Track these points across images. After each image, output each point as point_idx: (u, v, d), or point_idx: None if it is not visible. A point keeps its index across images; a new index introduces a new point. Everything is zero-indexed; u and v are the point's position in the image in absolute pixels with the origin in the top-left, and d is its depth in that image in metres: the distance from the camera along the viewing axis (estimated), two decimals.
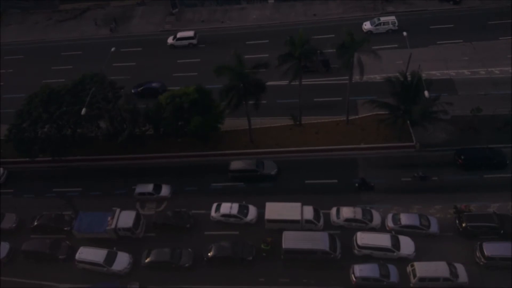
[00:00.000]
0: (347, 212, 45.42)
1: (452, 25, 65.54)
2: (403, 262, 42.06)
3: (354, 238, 43.49)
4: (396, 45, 60.80)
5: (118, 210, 47.41)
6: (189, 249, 44.98)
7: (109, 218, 46.85)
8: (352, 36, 47.88)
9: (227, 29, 72.53)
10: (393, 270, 41.16)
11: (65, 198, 49.65)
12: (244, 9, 76.61)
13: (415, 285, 40.50)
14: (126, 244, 46.20)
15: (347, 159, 51.82)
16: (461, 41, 62.92)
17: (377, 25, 65.93)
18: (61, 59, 70.51)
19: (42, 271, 45.65)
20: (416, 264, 40.98)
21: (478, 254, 41.54)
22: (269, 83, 50.97)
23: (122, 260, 44.55)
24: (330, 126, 54.97)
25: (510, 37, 61.12)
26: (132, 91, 60.48)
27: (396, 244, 42.51)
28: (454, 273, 40.05)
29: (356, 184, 48.66)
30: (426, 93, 45.66)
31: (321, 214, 46.00)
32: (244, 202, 47.77)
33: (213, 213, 47.39)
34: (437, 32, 64.73)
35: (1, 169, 55.07)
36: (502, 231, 42.68)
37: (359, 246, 42.84)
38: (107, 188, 52.46)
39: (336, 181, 49.78)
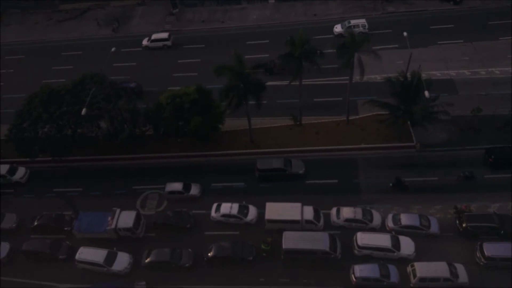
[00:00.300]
0: (347, 212, 45.41)
1: (452, 25, 65.54)
2: (403, 262, 42.03)
3: (354, 238, 43.46)
4: (396, 45, 60.80)
5: (118, 210, 47.40)
6: (189, 249, 44.97)
7: (109, 218, 46.84)
8: (353, 36, 47.86)
9: (227, 29, 72.54)
10: (393, 270, 41.15)
11: (65, 198, 49.65)
12: (244, 9, 76.64)
13: (415, 285, 40.47)
14: (126, 244, 46.20)
15: (347, 159, 51.81)
16: (462, 41, 62.93)
17: (347, 28, 65.93)
18: (61, 59, 70.55)
19: (42, 271, 45.63)
20: (416, 264, 40.96)
21: (478, 254, 41.52)
22: (269, 83, 50.98)
23: (122, 260, 44.54)
24: (330, 126, 54.97)
25: (510, 37, 61.12)
26: None
27: (396, 244, 42.50)
28: (454, 273, 40.04)
29: (391, 184, 47.97)
30: (426, 93, 45.68)
31: (321, 214, 45.98)
32: (244, 202, 47.76)
33: (213, 213, 47.39)
34: (437, 32, 64.73)
35: (24, 169, 54.70)
36: (502, 232, 42.66)
37: (359, 246, 42.82)
38: (107, 188, 52.45)
39: (336, 181, 49.77)
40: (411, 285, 40.65)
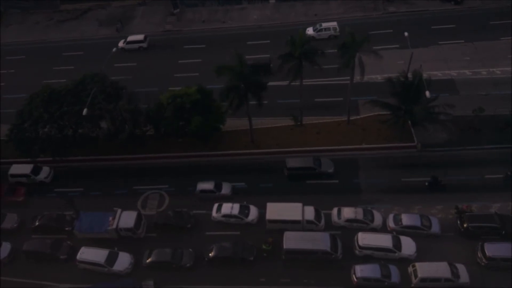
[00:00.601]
0: (348, 212, 45.39)
1: (453, 25, 65.52)
2: (404, 262, 42.01)
3: (355, 238, 43.44)
4: (397, 45, 60.75)
5: (119, 210, 47.41)
6: (190, 249, 44.95)
7: (110, 218, 46.85)
8: (353, 36, 47.84)
9: (228, 29, 72.51)
10: (394, 270, 41.13)
11: (66, 198, 49.68)
12: (244, 9, 76.63)
13: (416, 286, 40.44)
14: (127, 244, 46.19)
15: (348, 159, 51.79)
16: (462, 41, 62.92)
17: (319, 30, 66.38)
18: (62, 59, 70.53)
19: (43, 271, 45.61)
20: (417, 264, 40.94)
21: (479, 254, 41.49)
22: (269, 83, 50.95)
23: (123, 260, 44.53)
24: (331, 126, 54.96)
25: (510, 37, 61.08)
26: None
27: (397, 245, 42.48)
28: (455, 273, 40.00)
29: (426, 183, 47.58)
30: (427, 93, 45.65)
31: (322, 215, 45.97)
32: (245, 202, 47.74)
33: (214, 214, 47.37)
34: (438, 32, 64.72)
35: (48, 168, 54.52)
36: (503, 232, 42.63)
37: (360, 247, 42.80)
38: (108, 188, 52.45)
39: (337, 181, 49.74)
40: (412, 285, 40.61)
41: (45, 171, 53.96)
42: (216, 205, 47.68)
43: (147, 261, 44.49)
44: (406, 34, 51.69)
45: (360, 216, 44.95)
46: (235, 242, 44.34)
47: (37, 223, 48.56)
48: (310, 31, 67.24)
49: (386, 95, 50.62)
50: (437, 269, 40.19)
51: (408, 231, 43.73)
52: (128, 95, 53.00)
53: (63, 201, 48.99)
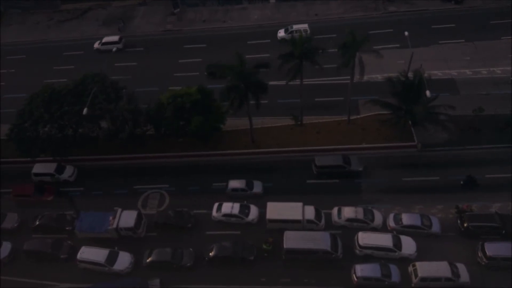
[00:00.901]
0: (348, 212, 45.39)
1: (453, 25, 65.49)
2: (404, 262, 42.02)
3: (356, 238, 43.45)
4: (397, 45, 60.72)
5: (119, 209, 47.41)
6: (191, 249, 44.96)
7: (110, 218, 46.86)
8: (354, 36, 47.84)
9: (228, 29, 72.48)
10: (394, 270, 41.13)
11: (66, 197, 49.71)
12: (245, 9, 76.61)
13: (417, 285, 40.46)
14: (128, 244, 46.19)
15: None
16: (463, 40, 62.90)
17: (290, 32, 66.39)
18: (62, 59, 70.52)
19: (44, 271, 45.62)
20: (417, 264, 40.94)
21: (480, 254, 41.49)
22: (270, 83, 50.93)
23: (124, 260, 44.54)
24: (332, 126, 54.96)
25: (511, 37, 61.06)
26: None
27: (397, 244, 42.48)
28: (455, 273, 40.00)
29: (461, 182, 47.21)
30: (427, 92, 45.64)
31: (323, 214, 45.97)
32: (245, 202, 47.75)
33: (214, 213, 47.38)
34: (438, 31, 64.67)
35: (72, 167, 54.37)
36: (504, 231, 42.63)
37: (360, 246, 42.81)
38: (108, 188, 52.44)
39: (337, 181, 49.73)
40: (413, 285, 40.62)
41: (69, 170, 53.79)
42: (216, 205, 47.68)
43: (147, 260, 44.50)
44: (406, 33, 51.77)
45: (360, 215, 44.95)
46: (235, 242, 44.35)
47: (37, 223, 48.57)
48: (281, 33, 67.65)
49: (386, 95, 50.64)
50: (437, 268, 40.19)
51: (409, 230, 43.73)
52: (128, 95, 53.03)
53: (64, 200, 49.08)
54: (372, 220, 45.00)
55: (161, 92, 53.83)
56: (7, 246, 47.26)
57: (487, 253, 40.88)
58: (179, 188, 51.35)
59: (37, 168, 53.62)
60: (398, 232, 43.84)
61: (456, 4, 69.49)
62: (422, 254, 42.13)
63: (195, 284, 43.20)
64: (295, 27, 66.84)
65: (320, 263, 42.71)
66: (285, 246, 42.79)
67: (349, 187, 49.01)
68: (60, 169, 53.51)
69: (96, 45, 70.88)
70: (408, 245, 42.58)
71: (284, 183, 50.21)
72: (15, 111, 53.66)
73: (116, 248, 45.46)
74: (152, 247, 45.42)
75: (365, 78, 50.28)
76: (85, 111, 47.47)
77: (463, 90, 56.42)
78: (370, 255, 42.64)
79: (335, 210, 46.19)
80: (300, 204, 45.67)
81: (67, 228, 48.07)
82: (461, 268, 40.47)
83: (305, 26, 66.78)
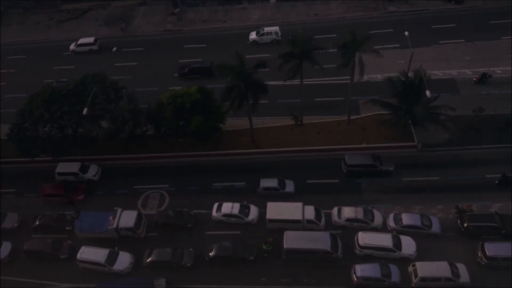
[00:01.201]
0: (348, 212, 45.39)
1: (453, 25, 65.48)
2: (404, 262, 42.02)
3: (356, 238, 43.45)
4: (397, 45, 60.74)
5: (119, 209, 47.42)
6: (191, 249, 44.98)
7: (110, 218, 46.86)
8: (354, 36, 47.84)
9: (228, 29, 72.49)
10: (394, 270, 41.13)
11: (66, 197, 49.73)
12: (245, 9, 76.61)
13: (417, 285, 40.47)
14: (128, 244, 46.19)
15: None
16: (463, 40, 62.88)
17: (261, 35, 66.83)
18: (63, 59, 70.52)
19: (44, 271, 45.61)
20: (417, 264, 40.95)
21: (480, 254, 41.49)
22: (270, 83, 50.97)
23: (124, 260, 44.54)
24: (332, 126, 54.95)
25: (511, 37, 61.04)
26: None
27: (397, 244, 42.48)
28: (455, 273, 40.00)
29: (496, 181, 46.89)
30: (427, 92, 45.64)
31: (323, 214, 45.98)
32: (245, 202, 47.75)
33: (214, 213, 47.38)
34: (438, 31, 64.65)
35: (96, 166, 54.25)
36: (504, 231, 42.63)
37: (360, 246, 42.81)
38: (108, 187, 52.44)
39: (337, 181, 49.73)
40: (412, 285, 40.63)
41: (93, 169, 53.72)
42: (216, 205, 47.69)
43: (148, 260, 44.51)
44: (406, 33, 51.76)
45: (360, 215, 44.95)
46: (236, 242, 44.35)
47: (37, 223, 48.58)
48: (253, 35, 67.96)
49: (386, 95, 50.66)
50: (437, 268, 40.19)
51: (409, 230, 43.73)
52: (128, 95, 53.05)
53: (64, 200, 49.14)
54: (372, 220, 45.00)
55: (161, 92, 53.84)
56: (7, 246, 47.24)
57: (487, 253, 40.88)
58: (179, 188, 51.37)
59: (61, 167, 53.32)
60: (398, 232, 43.85)
61: (456, 4, 69.45)
62: (422, 254, 42.13)
63: (195, 284, 43.19)
64: (266, 29, 67.46)
65: (320, 263, 42.72)
66: (285, 246, 42.79)
67: (349, 187, 49.01)
68: (84, 168, 53.34)
69: (72, 46, 71.52)
70: (408, 245, 42.58)
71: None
72: (15, 111, 53.66)
73: (116, 248, 45.46)
74: (152, 247, 45.43)
75: (365, 78, 50.27)
76: (85, 111, 47.47)
77: (463, 90, 56.41)
78: (370, 255, 42.64)
79: (335, 210, 46.19)
80: (300, 204, 45.68)
81: (67, 228, 48.08)
82: (461, 268, 40.46)
83: (276, 28, 67.33)
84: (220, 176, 51.62)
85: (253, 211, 47.00)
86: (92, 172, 53.46)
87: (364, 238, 43.03)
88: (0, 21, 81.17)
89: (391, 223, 44.66)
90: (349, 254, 43.07)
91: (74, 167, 53.15)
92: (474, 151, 50.29)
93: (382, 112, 51.88)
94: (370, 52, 47.65)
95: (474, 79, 53.16)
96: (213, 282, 43.10)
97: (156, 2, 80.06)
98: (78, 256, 44.71)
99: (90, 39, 71.41)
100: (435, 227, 43.75)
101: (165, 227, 47.25)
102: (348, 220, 45.15)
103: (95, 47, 70.44)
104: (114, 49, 58.51)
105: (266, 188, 48.81)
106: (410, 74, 49.63)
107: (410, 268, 41.27)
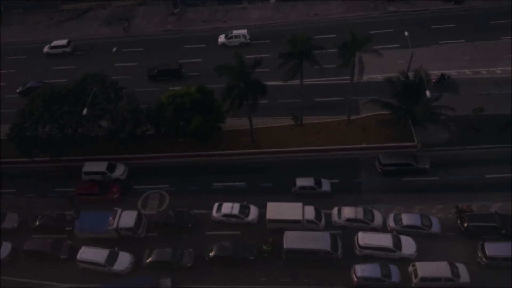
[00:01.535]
0: (348, 212, 45.39)
1: (453, 25, 65.49)
2: (404, 262, 42.01)
3: (356, 238, 43.45)
4: (397, 45, 60.74)
5: (119, 210, 47.43)
6: (191, 249, 44.98)
7: (110, 218, 46.87)
8: (354, 36, 47.82)
9: (228, 29, 72.39)
10: (394, 270, 41.12)
11: (66, 197, 49.71)
12: (245, 9, 76.67)
13: (417, 285, 40.45)
14: (128, 244, 46.20)
15: (348, 159, 51.76)
16: (463, 40, 62.89)
17: (229, 38, 67.57)
18: (63, 59, 70.49)
19: (44, 271, 45.63)
20: (417, 264, 40.94)
21: (480, 254, 41.48)
22: (270, 83, 50.96)
23: (124, 260, 44.55)
24: (332, 126, 54.95)
25: (511, 37, 61.04)
26: (17, 90, 63.78)
27: (397, 244, 42.47)
28: (455, 273, 39.99)
29: None
30: (427, 92, 45.63)
31: (323, 214, 45.97)
32: (245, 202, 47.76)
33: (214, 213, 47.39)
34: (438, 31, 64.67)
35: (123, 165, 53.98)
36: (504, 231, 42.62)
37: (360, 246, 42.81)
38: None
39: (337, 181, 49.72)
40: (413, 285, 40.61)
41: (120, 168, 53.55)
42: (216, 205, 47.69)
43: (148, 260, 44.52)
44: (406, 33, 51.76)
45: (360, 215, 44.95)
46: (236, 242, 44.35)
47: (37, 223, 48.59)
48: (221, 38, 68.50)
49: (386, 95, 50.60)
50: (437, 268, 40.17)
51: (409, 230, 43.72)
52: (128, 95, 53.05)
53: (64, 200, 49.08)
54: (372, 220, 45.00)
55: (161, 92, 53.84)
56: (7, 246, 47.27)
57: (487, 253, 40.87)
58: (179, 188, 51.39)
59: (88, 167, 53.21)
60: (398, 232, 43.83)
61: (456, 4, 69.47)
62: (422, 254, 42.12)
63: (195, 284, 43.18)
64: (235, 32, 68.12)
65: (320, 263, 42.72)
66: (285, 246, 42.79)
67: (349, 187, 49.01)
68: (111, 168, 53.25)
69: (46, 49, 71.91)
70: (408, 245, 42.57)
71: (284, 183, 50.08)
72: (15, 111, 53.67)
73: (116, 248, 45.47)
74: (152, 247, 45.44)
75: (365, 78, 50.37)
76: (85, 111, 47.47)
77: (463, 90, 56.41)
78: (370, 255, 42.63)
79: (335, 210, 46.18)
80: (300, 204, 45.68)
81: (67, 228, 48.10)
82: (461, 268, 40.45)
83: (244, 31, 67.89)
84: (220, 176, 51.64)
85: (253, 211, 47.00)
86: (119, 171, 53.31)
87: (364, 238, 43.02)
88: (0, 21, 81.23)
89: (391, 223, 44.66)
90: (349, 254, 43.05)
91: (102, 166, 53.02)
92: (474, 151, 50.29)
93: (382, 112, 51.82)
94: (370, 52, 47.65)
95: (433, 80, 53.07)
96: (213, 282, 43.09)
97: (156, 2, 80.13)
98: (78, 256, 44.72)
99: (64, 41, 72.09)
100: (435, 227, 43.74)
101: (165, 227, 47.25)
102: (348, 220, 45.15)
103: (68, 49, 71.24)
104: (114, 49, 58.47)
105: (302, 187, 48.45)
106: (410, 74, 49.58)
107: (410, 268, 41.27)
